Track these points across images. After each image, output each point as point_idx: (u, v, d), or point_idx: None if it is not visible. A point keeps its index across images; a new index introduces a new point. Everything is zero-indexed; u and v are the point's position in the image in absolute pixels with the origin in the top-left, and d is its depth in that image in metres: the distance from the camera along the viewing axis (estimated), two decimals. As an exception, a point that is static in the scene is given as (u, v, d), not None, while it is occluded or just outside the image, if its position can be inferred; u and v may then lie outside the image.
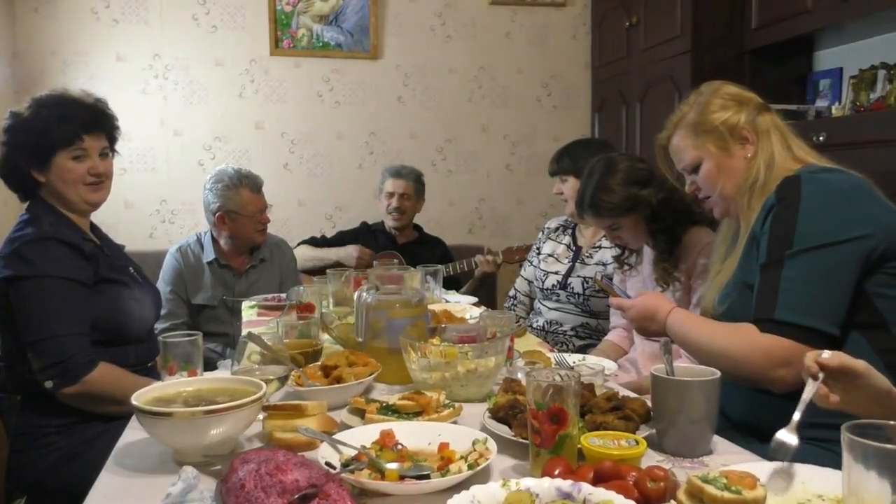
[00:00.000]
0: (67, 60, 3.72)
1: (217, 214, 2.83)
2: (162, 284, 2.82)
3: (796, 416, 1.04)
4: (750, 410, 1.46)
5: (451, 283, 3.14)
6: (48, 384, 1.71)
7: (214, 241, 2.91)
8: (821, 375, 1.05)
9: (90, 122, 1.88)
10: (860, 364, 1.05)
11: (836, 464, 1.04)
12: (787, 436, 1.03)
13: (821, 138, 2.50)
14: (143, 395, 1.18)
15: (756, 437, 1.42)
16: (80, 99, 1.90)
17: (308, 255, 3.37)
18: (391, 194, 3.45)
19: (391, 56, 4.09)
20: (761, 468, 1.00)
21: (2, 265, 1.77)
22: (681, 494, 0.90)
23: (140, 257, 2.40)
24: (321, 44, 3.99)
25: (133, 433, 1.26)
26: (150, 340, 1.99)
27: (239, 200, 2.82)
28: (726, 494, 0.86)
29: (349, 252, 3.38)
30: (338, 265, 3.24)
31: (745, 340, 1.36)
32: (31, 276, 1.73)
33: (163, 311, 2.72)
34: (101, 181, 1.90)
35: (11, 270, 1.74)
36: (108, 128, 1.93)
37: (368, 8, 3.99)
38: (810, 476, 1.00)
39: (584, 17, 4.27)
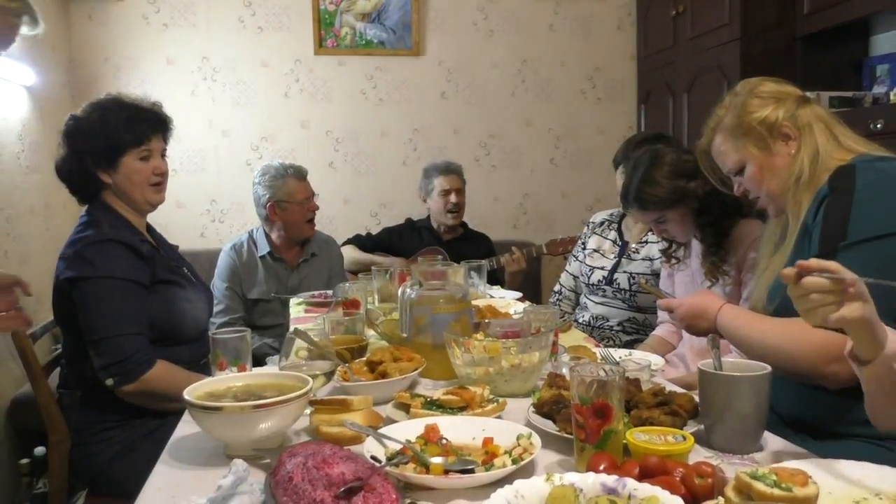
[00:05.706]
0: (120, 66, 3.82)
1: (268, 205, 2.92)
2: (218, 281, 2.92)
3: None
4: (802, 406, 1.42)
5: (491, 280, 3.11)
6: (109, 382, 1.76)
7: (267, 235, 3.00)
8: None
9: (154, 124, 1.96)
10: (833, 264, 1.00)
11: (892, 461, 1.01)
12: None
13: (878, 126, 2.42)
14: (195, 389, 1.21)
15: (809, 433, 1.38)
16: (140, 102, 1.97)
17: (353, 257, 3.40)
18: (447, 191, 3.40)
19: (434, 52, 4.09)
20: (814, 466, 0.98)
21: (64, 266, 1.83)
22: (729, 491, 0.88)
23: (191, 256, 2.46)
24: (364, 42, 4.02)
25: (186, 427, 1.30)
26: (204, 339, 2.03)
27: (287, 189, 2.93)
28: (776, 491, 0.84)
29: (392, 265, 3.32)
30: None
31: (798, 335, 1.32)
32: (91, 277, 1.79)
33: (220, 307, 2.82)
34: (163, 181, 1.98)
35: (73, 271, 1.80)
36: (166, 130, 2.01)
37: (411, 4, 4.00)
38: (866, 473, 0.97)
39: (628, 7, 4.20)
